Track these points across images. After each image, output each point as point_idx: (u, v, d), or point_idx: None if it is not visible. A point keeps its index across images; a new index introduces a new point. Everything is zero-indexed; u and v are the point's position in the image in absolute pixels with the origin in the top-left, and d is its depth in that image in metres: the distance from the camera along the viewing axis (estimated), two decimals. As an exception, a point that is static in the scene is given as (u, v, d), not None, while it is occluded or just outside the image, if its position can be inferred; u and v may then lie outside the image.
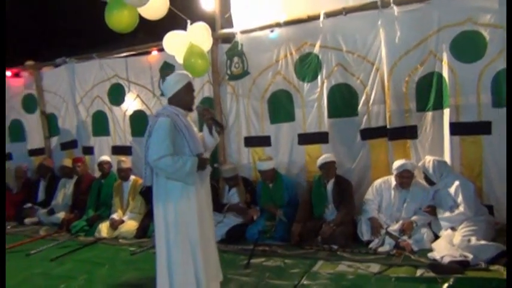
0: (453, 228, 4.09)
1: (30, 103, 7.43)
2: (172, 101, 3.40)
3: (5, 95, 7.07)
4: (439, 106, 4.61)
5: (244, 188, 5.34)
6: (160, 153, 3.15)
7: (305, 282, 3.70)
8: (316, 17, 5.00)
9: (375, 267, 3.87)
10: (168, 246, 3.29)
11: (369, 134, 5.02)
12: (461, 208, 4.11)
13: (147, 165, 3.29)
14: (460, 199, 4.15)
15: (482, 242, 3.77)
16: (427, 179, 4.45)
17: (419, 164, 4.54)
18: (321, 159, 4.88)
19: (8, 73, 7.32)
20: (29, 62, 7.27)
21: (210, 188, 3.61)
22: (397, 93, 4.79)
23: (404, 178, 4.50)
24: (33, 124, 7.48)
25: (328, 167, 4.85)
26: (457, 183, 4.22)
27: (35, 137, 7.49)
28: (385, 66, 4.81)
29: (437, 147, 4.63)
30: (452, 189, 4.22)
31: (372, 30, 4.86)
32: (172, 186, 3.26)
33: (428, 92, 4.65)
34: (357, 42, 4.98)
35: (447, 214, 4.18)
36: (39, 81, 7.22)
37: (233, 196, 5.36)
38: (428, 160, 4.41)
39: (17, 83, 7.47)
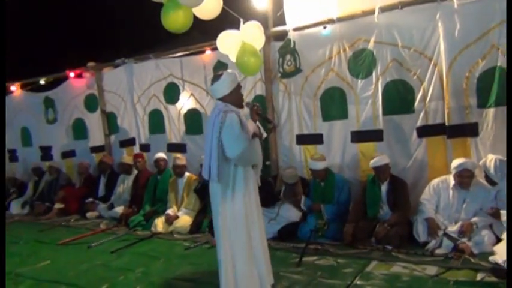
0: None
1: (91, 102, 7.77)
2: (226, 99, 3.44)
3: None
4: (501, 102, 4.35)
5: (302, 189, 5.29)
6: (242, 146, 3.28)
7: (358, 282, 3.65)
8: (370, 12, 4.89)
9: (431, 270, 3.74)
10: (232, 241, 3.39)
11: (426, 131, 4.85)
12: None
13: (219, 160, 3.31)
14: None
15: None
16: (488, 178, 4.23)
17: (480, 162, 4.33)
18: (375, 161, 4.74)
19: (71, 74, 7.70)
20: (91, 63, 7.60)
21: (266, 184, 3.66)
22: (456, 89, 4.59)
23: (464, 178, 4.30)
24: (94, 122, 7.83)
25: (382, 170, 4.72)
26: None
27: (96, 134, 7.83)
28: (443, 61, 4.63)
29: (500, 145, 4.38)
30: None
31: (430, 23, 4.69)
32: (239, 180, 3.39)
33: (490, 87, 4.41)
34: (414, 37, 4.82)
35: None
36: (99, 82, 7.54)
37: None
38: (490, 159, 4.19)
39: (79, 83, 7.85)
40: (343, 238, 4.61)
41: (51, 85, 8.24)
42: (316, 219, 4.96)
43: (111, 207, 6.73)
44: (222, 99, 3.45)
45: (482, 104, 4.50)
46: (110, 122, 7.61)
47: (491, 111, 4.44)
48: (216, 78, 3.48)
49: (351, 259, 4.20)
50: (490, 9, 4.35)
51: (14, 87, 8.56)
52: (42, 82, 8.10)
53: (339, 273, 3.90)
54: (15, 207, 7.86)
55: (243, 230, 3.38)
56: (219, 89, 3.45)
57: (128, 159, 7.00)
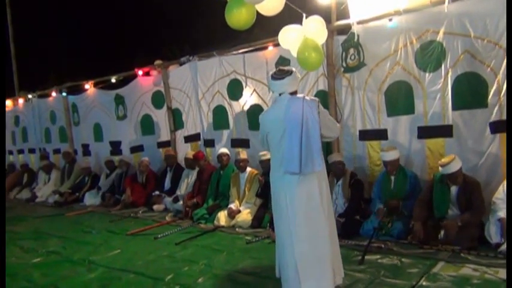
0: None
1: (158, 99, 8.06)
2: (293, 93, 3.47)
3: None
4: None
5: (348, 181, 5.23)
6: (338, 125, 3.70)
7: (424, 283, 3.51)
8: (440, 2, 4.67)
9: (505, 273, 3.50)
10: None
11: (500, 126, 4.55)
12: None
13: (319, 150, 3.31)
14: None
15: None
16: None
17: None
18: (445, 169, 4.42)
19: (140, 72, 8.03)
20: (158, 62, 7.88)
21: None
22: (534, 82, 4.27)
23: None
24: (161, 118, 8.12)
25: (454, 176, 4.43)
26: None
27: (163, 130, 8.13)
28: (520, 52, 4.32)
29: None
30: None
31: (505, 11, 4.38)
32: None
33: None
34: (488, 27, 4.53)
35: None
36: (166, 79, 7.79)
37: (339, 188, 5.29)
38: None
39: (147, 81, 8.17)
40: (414, 236, 4.46)
41: (121, 83, 8.65)
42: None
43: (176, 200, 6.95)
44: (291, 94, 3.46)
45: None
46: (176, 118, 7.85)
47: None
48: (287, 72, 3.44)
49: (416, 259, 4.05)
50: None
51: (88, 86, 9.09)
52: (113, 80, 8.54)
53: (403, 273, 3.78)
54: (88, 199, 8.33)
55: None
56: (291, 83, 3.45)
57: (191, 154, 7.18)
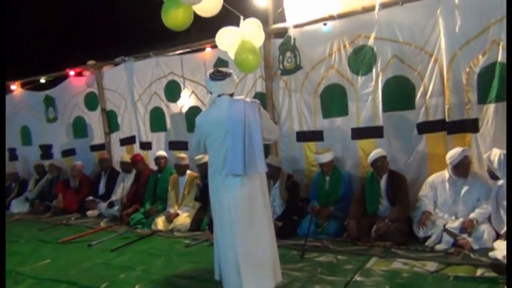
0: None
1: (92, 101, 7.79)
2: (232, 95, 3.48)
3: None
4: (502, 98, 4.32)
5: (285, 183, 5.31)
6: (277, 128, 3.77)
7: (358, 279, 3.64)
8: (371, 9, 4.88)
9: (432, 266, 3.74)
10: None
11: (426, 127, 4.84)
12: None
13: (261, 152, 3.32)
14: None
15: None
16: (490, 173, 4.21)
17: (485, 156, 4.28)
18: (371, 156, 4.81)
19: (71, 72, 7.71)
20: (91, 62, 7.62)
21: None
22: (456, 85, 4.58)
23: (466, 165, 4.34)
24: (94, 121, 7.85)
25: (379, 163, 4.76)
26: None
27: (97, 133, 7.86)
28: (444, 57, 4.61)
29: (500, 141, 4.35)
30: None
31: (431, 19, 4.68)
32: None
33: (491, 83, 4.38)
34: (414, 33, 4.81)
35: None
36: (100, 80, 7.55)
37: (276, 191, 5.35)
38: (495, 153, 4.14)
39: (79, 82, 7.87)
40: (348, 234, 4.62)
41: (51, 84, 8.25)
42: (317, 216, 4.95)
43: (112, 205, 6.73)
44: (230, 95, 3.46)
45: (483, 99, 4.48)
46: (111, 120, 7.63)
47: (491, 107, 4.42)
48: (226, 74, 3.44)
49: (351, 256, 4.19)
50: (491, 4, 4.32)
51: (15, 86, 8.58)
52: (42, 81, 8.13)
53: (339, 269, 3.89)
54: (16, 206, 7.86)
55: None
56: (231, 84, 3.47)
57: (128, 157, 6.99)
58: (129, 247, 5.12)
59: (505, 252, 3.58)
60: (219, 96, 3.45)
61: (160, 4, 3.84)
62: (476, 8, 4.41)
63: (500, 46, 4.32)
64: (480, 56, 4.44)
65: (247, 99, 3.41)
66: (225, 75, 3.42)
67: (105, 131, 7.68)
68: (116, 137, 7.67)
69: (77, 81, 7.88)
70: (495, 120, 4.41)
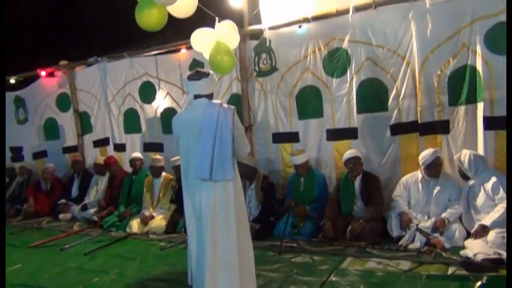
0: (486, 227, 3.89)
1: (64, 102, 7.64)
2: (209, 97, 3.40)
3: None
4: (472, 100, 4.47)
5: (260, 184, 5.32)
6: (248, 145, 3.55)
7: (333, 279, 3.67)
8: (345, 12, 4.95)
9: (405, 265, 3.81)
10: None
11: (399, 129, 4.93)
12: (502, 205, 3.89)
13: (230, 158, 3.24)
14: (499, 196, 3.96)
15: None
16: (461, 173, 4.31)
17: (455, 157, 4.39)
18: (345, 156, 4.89)
19: (43, 73, 7.55)
20: (63, 62, 7.46)
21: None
22: (428, 88, 4.69)
23: (437, 165, 4.44)
24: (67, 122, 7.70)
25: (352, 163, 4.84)
26: (494, 179, 4.05)
27: (69, 134, 7.71)
28: (416, 60, 4.72)
29: (470, 142, 4.49)
30: (489, 186, 4.06)
31: (403, 23, 4.77)
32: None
33: (461, 85, 4.52)
34: (387, 36, 4.90)
35: (491, 214, 3.93)
36: (72, 80, 7.41)
37: (252, 192, 5.36)
38: (465, 154, 4.26)
39: (51, 82, 7.70)
40: (324, 234, 4.67)
41: (21, 84, 8.06)
42: (293, 216, 4.98)
43: (85, 208, 6.61)
44: (207, 96, 3.38)
45: (453, 101, 4.60)
46: (83, 121, 7.49)
47: (462, 109, 4.55)
48: (203, 74, 3.36)
49: (326, 256, 4.22)
50: (461, 9, 4.45)
51: (-17, 87, 8.32)
52: (12, 81, 7.93)
53: (314, 270, 3.92)
54: (-16, 210, 7.63)
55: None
56: (207, 85, 3.37)
57: (102, 159, 6.88)
58: (103, 250, 5.04)
59: (475, 250, 3.68)
60: (196, 97, 3.39)
61: (135, 4, 3.80)
62: (447, 12, 4.52)
63: (470, 50, 4.45)
64: (451, 59, 4.56)
65: (224, 105, 3.34)
66: (200, 76, 3.36)
67: (77, 133, 7.53)
68: (89, 139, 7.53)
69: (49, 82, 7.71)
70: (465, 121, 4.54)
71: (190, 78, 3.37)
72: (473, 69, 4.44)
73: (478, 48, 4.37)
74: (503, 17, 4.22)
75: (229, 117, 3.23)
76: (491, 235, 3.77)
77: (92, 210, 6.50)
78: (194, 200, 3.31)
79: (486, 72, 4.34)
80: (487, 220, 3.88)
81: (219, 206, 3.24)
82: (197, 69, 3.47)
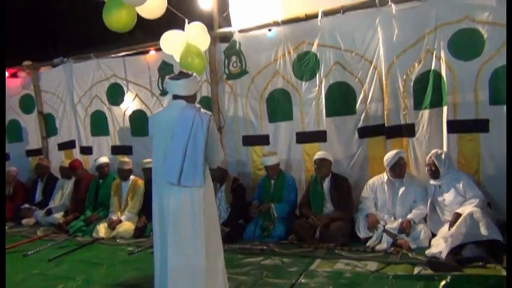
0: (460, 215, 3.93)
1: (27, 103, 7.43)
2: (189, 99, 3.31)
3: (5, 95, 7.06)
4: (436, 104, 4.61)
5: (230, 186, 5.31)
6: (222, 152, 3.47)
7: (303, 281, 3.70)
8: (314, 16, 5.01)
9: (372, 265, 3.87)
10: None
11: (366, 132, 5.02)
12: (473, 200, 4.04)
13: (202, 165, 3.16)
14: (472, 193, 4.12)
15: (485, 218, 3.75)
16: (431, 171, 4.37)
17: (432, 152, 4.40)
18: (316, 156, 4.95)
19: (6, 73, 7.31)
20: (27, 62, 7.26)
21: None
22: (394, 92, 4.80)
23: (401, 166, 4.54)
24: (30, 124, 7.50)
25: (318, 164, 4.89)
26: (466, 179, 4.22)
27: (33, 137, 7.50)
28: (383, 64, 4.82)
29: (435, 145, 4.62)
30: (460, 185, 4.19)
31: (370, 28, 4.87)
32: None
33: (426, 90, 4.64)
34: (355, 41, 4.98)
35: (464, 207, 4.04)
36: (36, 81, 7.22)
37: (221, 194, 5.34)
38: (440, 152, 4.36)
39: (14, 83, 7.47)
40: (295, 233, 4.72)
41: (-18, 85, 7.77)
42: (263, 219, 5.00)
43: (50, 213, 6.42)
44: (185, 98, 3.29)
45: (418, 105, 4.72)
46: (48, 124, 7.30)
47: (426, 113, 4.67)
48: (185, 75, 3.29)
49: (296, 258, 4.25)
50: (425, 15, 4.58)
51: None
52: (-28, 82, 7.63)
53: (284, 272, 3.94)
54: None
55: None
56: (187, 86, 3.28)
57: (67, 162, 6.71)
58: (68, 256, 4.91)
59: (440, 248, 3.78)
60: (174, 97, 3.32)
61: (102, 4, 3.74)
62: (412, 18, 4.64)
63: (434, 55, 4.58)
64: (416, 64, 4.69)
65: (202, 110, 3.27)
66: (180, 76, 3.29)
67: (42, 135, 7.33)
68: (53, 142, 7.34)
69: (11, 83, 7.46)
70: (430, 125, 4.67)
71: (170, 77, 3.32)
72: (437, 74, 4.57)
73: (442, 54, 4.51)
74: (465, 24, 4.40)
75: (205, 123, 3.15)
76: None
77: (57, 215, 6.31)
78: (162, 203, 3.23)
79: (449, 77, 4.49)
80: (461, 210, 3.98)
81: (187, 211, 3.16)
82: (181, 71, 3.43)
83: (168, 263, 3.16)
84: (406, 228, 4.28)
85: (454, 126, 4.50)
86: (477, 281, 3.31)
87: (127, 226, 5.57)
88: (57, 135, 7.29)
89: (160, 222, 3.27)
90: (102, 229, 5.61)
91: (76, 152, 7.05)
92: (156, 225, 3.32)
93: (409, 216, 4.40)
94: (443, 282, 3.31)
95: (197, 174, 3.13)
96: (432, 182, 4.41)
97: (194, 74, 3.35)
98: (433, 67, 4.60)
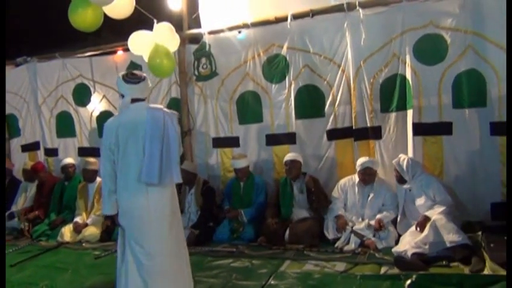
0: (429, 218, 4.02)
1: (-12, 104, 7.17)
2: (144, 100, 3.35)
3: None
4: (402, 107, 4.72)
5: (200, 189, 5.28)
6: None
7: (272, 282, 3.71)
8: (283, 19, 5.04)
9: (340, 266, 3.92)
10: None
11: (335, 134, 5.09)
12: (442, 204, 4.12)
13: (178, 162, 3.27)
14: (440, 197, 4.20)
15: (450, 224, 3.85)
16: (399, 177, 4.46)
17: (394, 161, 4.49)
18: (286, 157, 4.98)
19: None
20: (-13, 61, 7.01)
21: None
22: (362, 95, 4.88)
23: (367, 175, 4.59)
24: (-8, 125, 7.23)
25: (291, 165, 4.90)
26: (435, 183, 4.30)
27: (-6, 138, 7.23)
28: (351, 68, 4.90)
29: (401, 147, 4.73)
30: (430, 189, 4.26)
31: (338, 32, 4.94)
32: None
33: (392, 93, 4.76)
34: (324, 44, 5.04)
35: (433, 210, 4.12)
36: (-2, 81, 6.98)
37: (191, 197, 5.30)
38: (403, 158, 4.41)
39: (-26, 82, 7.19)
40: (265, 233, 4.71)
41: None
42: (232, 222, 5.00)
43: (12, 216, 6.21)
44: (144, 99, 3.34)
45: (385, 108, 4.83)
46: (11, 124, 7.07)
47: (393, 116, 4.78)
48: (140, 77, 3.28)
49: (265, 260, 4.25)
50: (392, 20, 4.69)
51: None
52: None
53: (254, 274, 3.94)
54: None
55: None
56: (146, 88, 3.38)
57: (30, 165, 6.50)
58: (31, 261, 4.77)
59: (407, 246, 3.85)
60: (133, 101, 3.29)
61: (68, 2, 3.66)
62: (379, 23, 4.74)
63: (400, 59, 4.69)
64: (383, 68, 4.79)
65: (166, 110, 3.32)
66: (139, 79, 3.28)
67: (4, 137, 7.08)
68: (16, 143, 7.12)
69: (-29, 82, 7.20)
70: (396, 128, 4.78)
71: (127, 81, 3.28)
72: (403, 78, 4.68)
73: (407, 58, 4.63)
74: (429, 30, 4.52)
75: (175, 122, 3.24)
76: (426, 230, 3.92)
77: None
78: (136, 205, 3.21)
79: (415, 81, 4.60)
80: (430, 213, 4.07)
81: (154, 212, 3.19)
82: (132, 71, 3.41)
83: (144, 267, 3.15)
84: (381, 225, 4.31)
85: (419, 129, 4.62)
86: (441, 279, 3.39)
87: (93, 230, 5.45)
88: (20, 137, 7.07)
89: (135, 227, 3.21)
90: (67, 233, 5.47)
91: (41, 154, 6.86)
92: (131, 231, 3.23)
93: (378, 216, 4.46)
94: (408, 281, 3.37)
95: (175, 171, 3.22)
96: (399, 186, 4.50)
97: (144, 74, 3.38)
98: (399, 71, 4.71)
